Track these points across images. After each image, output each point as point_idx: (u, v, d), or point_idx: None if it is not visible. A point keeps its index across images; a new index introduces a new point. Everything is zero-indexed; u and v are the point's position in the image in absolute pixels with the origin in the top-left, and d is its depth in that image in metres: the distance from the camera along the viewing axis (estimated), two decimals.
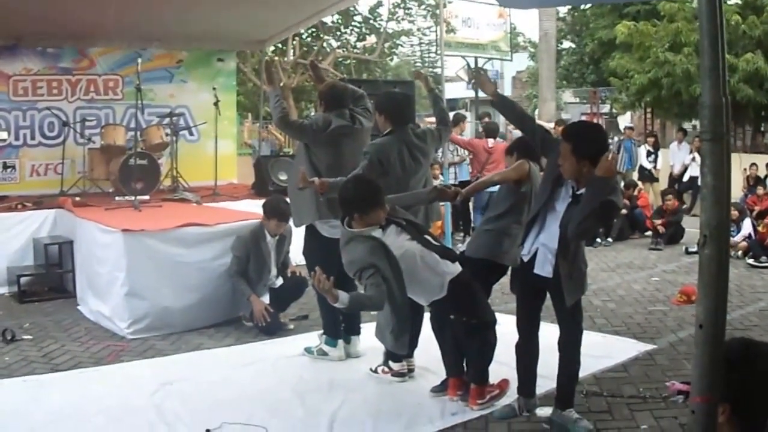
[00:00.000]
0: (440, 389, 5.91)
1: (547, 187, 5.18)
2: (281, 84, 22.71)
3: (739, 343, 2.68)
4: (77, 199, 10.71)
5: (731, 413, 2.51)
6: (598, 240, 13.11)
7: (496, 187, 6.75)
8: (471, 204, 13.38)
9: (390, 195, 5.50)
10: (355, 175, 5.74)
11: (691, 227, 13.01)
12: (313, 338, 7.16)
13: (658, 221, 13.56)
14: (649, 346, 7.13)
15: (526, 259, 5.28)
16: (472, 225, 13.48)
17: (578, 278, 5.17)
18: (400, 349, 5.47)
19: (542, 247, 5.16)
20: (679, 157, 18.72)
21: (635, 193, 14.99)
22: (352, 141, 6.63)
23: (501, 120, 17.41)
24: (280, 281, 8.20)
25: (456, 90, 34.76)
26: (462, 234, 13.60)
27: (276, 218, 7.82)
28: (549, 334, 5.40)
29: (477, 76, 5.95)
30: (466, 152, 13.51)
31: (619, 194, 5.11)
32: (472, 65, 21.13)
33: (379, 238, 5.18)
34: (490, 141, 13.15)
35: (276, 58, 23.93)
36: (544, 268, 5.16)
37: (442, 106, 6.86)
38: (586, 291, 5.38)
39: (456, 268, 5.39)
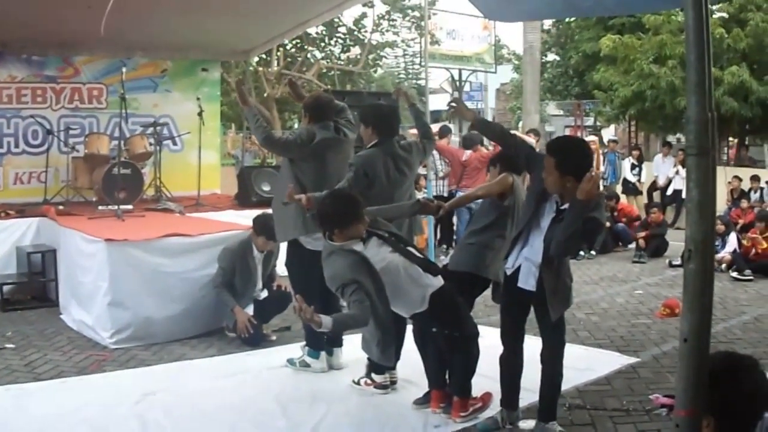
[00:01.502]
0: (423, 401, 5.90)
1: (532, 202, 5.18)
2: (265, 95, 22.69)
3: (723, 357, 2.70)
4: (60, 207, 10.69)
5: (716, 426, 2.52)
6: (582, 253, 13.02)
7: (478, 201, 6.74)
8: (455, 218, 13.31)
9: (373, 207, 5.50)
10: (333, 191, 5.72)
11: (675, 240, 13.08)
12: (296, 350, 7.14)
13: (641, 234, 13.59)
14: (632, 359, 7.14)
15: (509, 272, 5.28)
16: (455, 238, 13.44)
17: (563, 292, 5.18)
18: (386, 361, 5.47)
19: (526, 261, 5.16)
20: (663, 170, 18.76)
21: (615, 204, 14.89)
22: (337, 153, 6.62)
23: None
24: (264, 293, 8.17)
25: (440, 102, 34.73)
26: (445, 247, 13.54)
27: (264, 235, 7.74)
28: (531, 346, 5.40)
29: (455, 106, 5.90)
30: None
31: (602, 211, 5.08)
32: (456, 77, 21.17)
33: (361, 252, 5.16)
34: (465, 153, 12.99)
35: (260, 68, 23.91)
36: (527, 281, 5.16)
37: (424, 120, 6.91)
38: (571, 305, 5.38)
39: (438, 281, 5.38)
